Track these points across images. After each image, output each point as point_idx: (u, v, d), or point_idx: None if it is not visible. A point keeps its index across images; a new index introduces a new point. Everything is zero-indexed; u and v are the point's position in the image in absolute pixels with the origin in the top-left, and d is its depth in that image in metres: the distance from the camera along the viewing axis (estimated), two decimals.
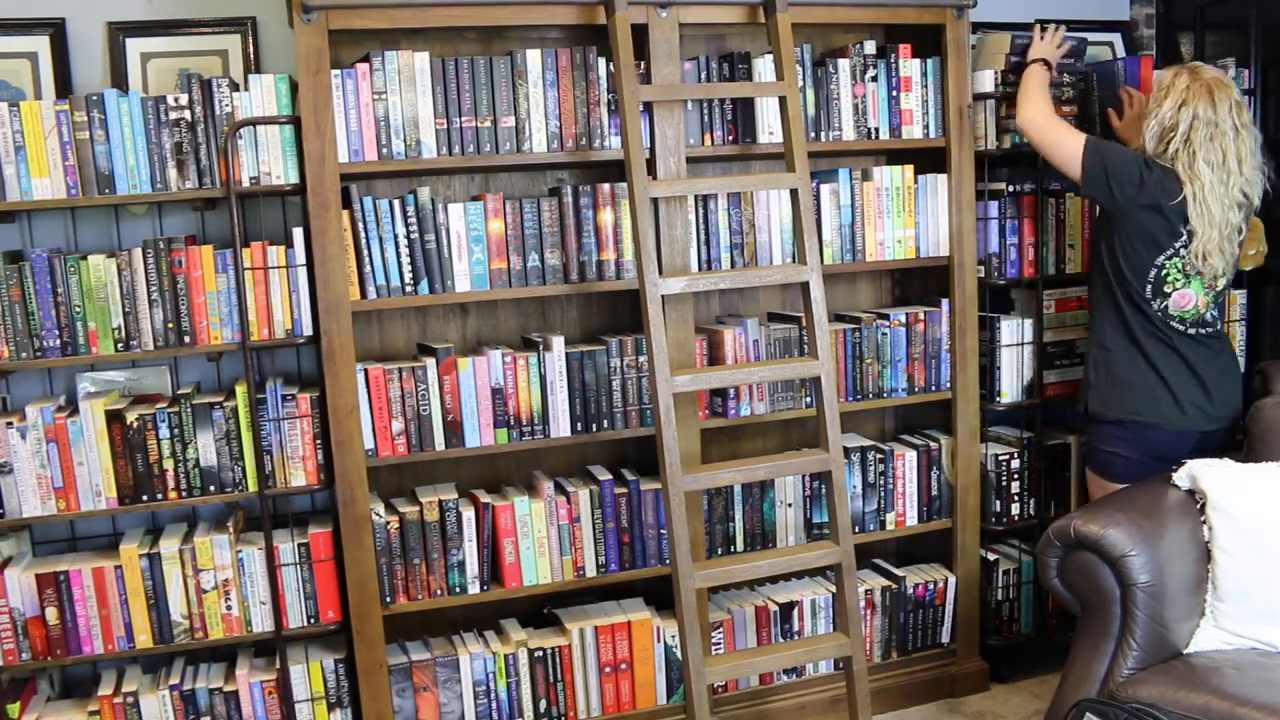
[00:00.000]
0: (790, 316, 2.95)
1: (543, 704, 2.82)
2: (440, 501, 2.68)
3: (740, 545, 2.93)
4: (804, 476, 2.96)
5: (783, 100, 2.65)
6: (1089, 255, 2.80)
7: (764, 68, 2.78)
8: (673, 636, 2.86)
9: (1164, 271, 2.57)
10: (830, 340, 2.82)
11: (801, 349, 2.88)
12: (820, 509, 2.98)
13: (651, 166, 2.66)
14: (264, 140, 2.53)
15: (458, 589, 2.71)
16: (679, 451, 2.51)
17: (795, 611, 2.98)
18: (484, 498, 2.76)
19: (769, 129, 2.79)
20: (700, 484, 2.58)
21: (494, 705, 2.79)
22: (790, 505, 2.97)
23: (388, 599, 2.66)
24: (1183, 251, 2.55)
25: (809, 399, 2.90)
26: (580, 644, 2.82)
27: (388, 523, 2.65)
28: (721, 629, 2.92)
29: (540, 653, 2.80)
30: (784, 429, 3.14)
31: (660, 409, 2.49)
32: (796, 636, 2.99)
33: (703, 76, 2.74)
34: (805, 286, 2.63)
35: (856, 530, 2.99)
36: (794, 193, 2.63)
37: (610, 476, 2.83)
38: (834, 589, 2.93)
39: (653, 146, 2.66)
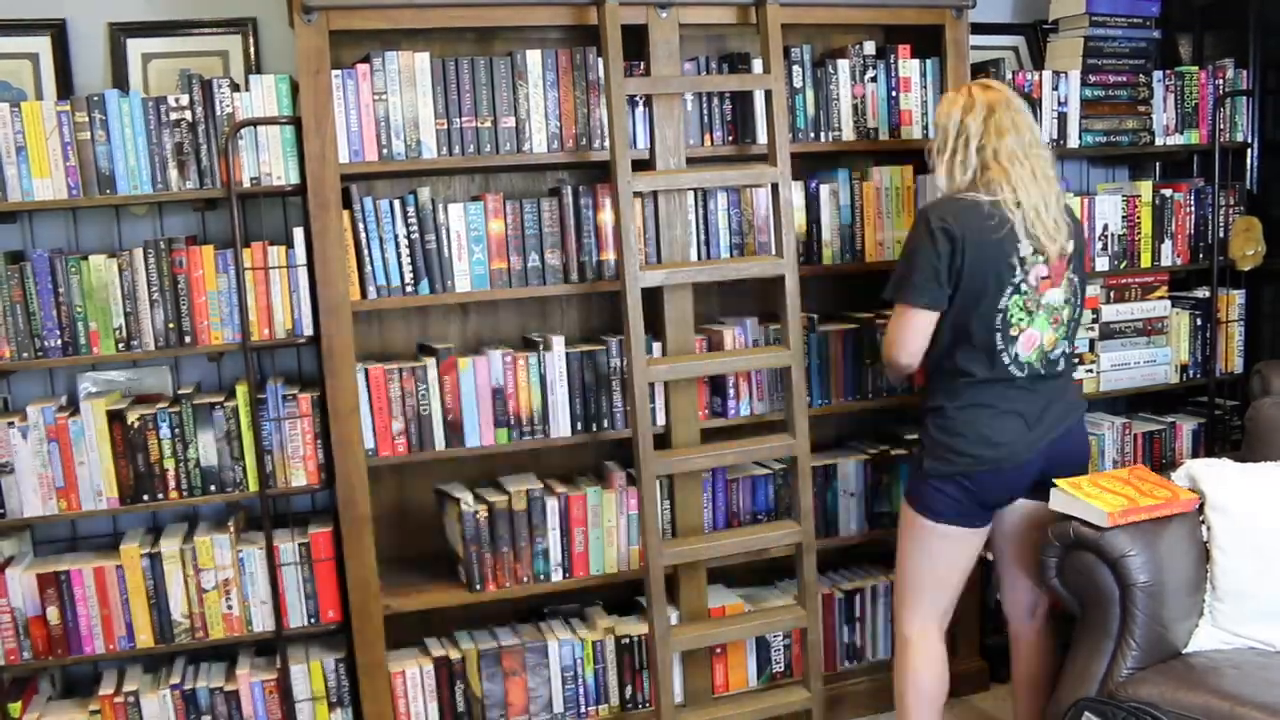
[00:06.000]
0: None
1: (628, 690, 2.86)
2: (528, 491, 2.72)
3: None
4: (866, 468, 2.99)
5: (768, 94, 2.65)
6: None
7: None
8: None
9: (1009, 314, 2.30)
10: (830, 340, 2.92)
11: None
12: (882, 499, 3.01)
13: (652, 166, 2.66)
14: (264, 140, 2.53)
15: (542, 576, 2.76)
16: (653, 439, 2.59)
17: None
18: (560, 488, 2.80)
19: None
20: (671, 468, 2.65)
21: (580, 690, 2.82)
22: (854, 495, 2.99)
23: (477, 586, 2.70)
24: (1023, 286, 2.29)
25: (809, 398, 2.90)
26: None
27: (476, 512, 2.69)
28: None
29: (626, 640, 2.84)
30: (783, 428, 3.12)
31: (636, 394, 2.55)
32: None
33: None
34: (780, 280, 2.66)
35: (856, 530, 3.01)
36: (774, 187, 2.64)
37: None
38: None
39: (653, 147, 2.66)
